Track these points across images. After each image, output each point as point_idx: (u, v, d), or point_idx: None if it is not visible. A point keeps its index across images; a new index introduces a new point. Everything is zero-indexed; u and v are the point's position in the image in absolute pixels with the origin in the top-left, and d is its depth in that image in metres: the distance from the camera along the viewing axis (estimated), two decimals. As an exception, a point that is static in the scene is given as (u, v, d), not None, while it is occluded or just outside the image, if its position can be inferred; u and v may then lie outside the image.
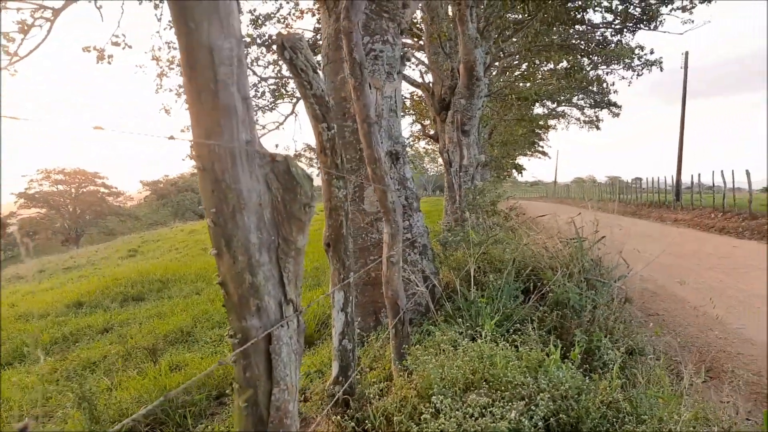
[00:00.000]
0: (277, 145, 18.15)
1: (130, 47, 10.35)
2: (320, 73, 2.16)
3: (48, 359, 6.98)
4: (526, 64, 17.85)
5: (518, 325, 3.79)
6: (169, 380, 5.31)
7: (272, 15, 12.16)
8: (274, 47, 12.82)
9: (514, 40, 14.63)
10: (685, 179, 28.89)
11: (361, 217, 4.85)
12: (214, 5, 1.38)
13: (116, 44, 10.24)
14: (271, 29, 12.62)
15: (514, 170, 38.09)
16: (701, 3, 12.51)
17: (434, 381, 2.66)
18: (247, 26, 11.98)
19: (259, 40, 12.48)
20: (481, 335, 3.28)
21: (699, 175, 26.72)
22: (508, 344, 3.12)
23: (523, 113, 20.04)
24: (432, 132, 13.06)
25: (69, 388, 5.24)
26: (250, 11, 11.67)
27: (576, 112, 27.14)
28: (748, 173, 19.94)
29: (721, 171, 22.59)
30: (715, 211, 21.79)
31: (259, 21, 11.88)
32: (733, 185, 22.08)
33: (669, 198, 28.86)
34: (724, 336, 5.85)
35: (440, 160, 12.73)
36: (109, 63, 10.71)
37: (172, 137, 1.10)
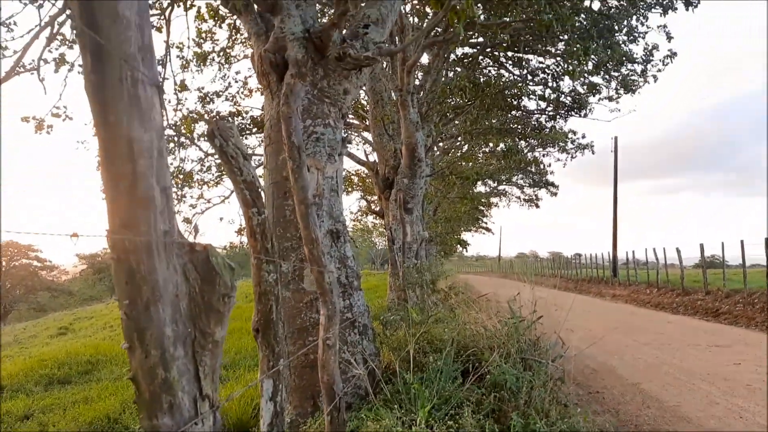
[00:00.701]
0: (221, 218, 17.98)
1: (70, 119, 10.20)
2: (252, 159, 2.20)
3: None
4: (467, 145, 18.69)
5: (456, 408, 3.74)
6: (88, 476, 4.89)
7: (221, 93, 12.37)
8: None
9: (457, 122, 15.35)
10: (621, 255, 30.18)
11: (300, 296, 4.78)
12: (135, 100, 1.40)
13: (57, 115, 10.09)
14: (220, 106, 12.83)
15: (458, 245, 38.83)
16: (626, 93, 13.57)
17: (366, 474, 2.56)
18: (195, 103, 12.14)
19: (206, 117, 12.60)
20: (416, 422, 3.21)
21: (633, 252, 28.01)
22: (444, 430, 3.06)
23: (465, 192, 20.78)
24: (378, 208, 13.26)
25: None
26: (198, 89, 11.85)
27: (516, 191, 28.37)
28: (678, 251, 20.99)
29: (654, 249, 23.74)
30: (650, 287, 22.66)
31: (207, 98, 12.05)
32: (666, 262, 23.13)
33: (607, 273, 29.87)
34: (660, 414, 5.93)
35: (387, 236, 12.83)
36: (48, 133, 10.50)
37: (75, 234, 1.07)
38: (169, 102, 10.79)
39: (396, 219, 9.06)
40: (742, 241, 16.65)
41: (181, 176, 11.13)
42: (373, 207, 15.49)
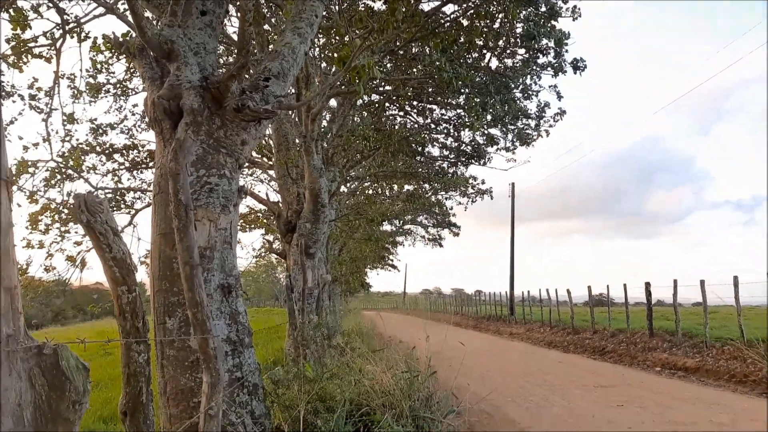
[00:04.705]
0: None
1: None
2: (121, 236, 2.07)
3: None
4: (372, 189, 19.00)
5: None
6: None
7: (115, 125, 11.77)
8: (115, 156, 12.30)
9: (364, 163, 15.56)
10: (519, 293, 31.69)
11: (186, 354, 4.53)
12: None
13: None
14: (114, 139, 12.17)
15: (361, 287, 39.09)
16: (522, 145, 14.42)
17: None
18: (86, 135, 11.45)
19: (99, 149, 11.92)
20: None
21: (529, 291, 29.48)
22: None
23: (370, 233, 21.02)
24: (280, 249, 13.03)
25: None
26: (91, 120, 11.19)
27: (421, 230, 29.08)
28: (569, 291, 22.26)
29: (547, 289, 25.05)
30: (544, 325, 23.79)
31: (100, 130, 11.41)
32: (557, 300, 24.40)
33: (505, 311, 31.08)
34: (547, 462, 6.15)
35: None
36: None
37: None
38: (57, 133, 10.11)
39: (297, 264, 8.93)
40: (624, 285, 17.91)
41: (65, 211, 10.37)
42: (275, 249, 15.19)
